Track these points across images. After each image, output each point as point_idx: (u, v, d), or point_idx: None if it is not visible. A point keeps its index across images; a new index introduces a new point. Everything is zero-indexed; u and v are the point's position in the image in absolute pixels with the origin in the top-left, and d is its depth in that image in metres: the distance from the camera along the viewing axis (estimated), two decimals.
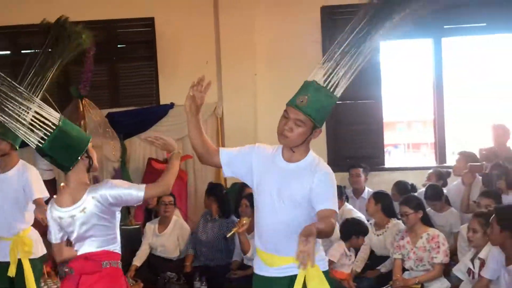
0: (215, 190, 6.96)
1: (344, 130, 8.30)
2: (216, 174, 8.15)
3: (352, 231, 6.13)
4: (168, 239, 6.90)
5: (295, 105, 3.28)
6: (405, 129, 19.49)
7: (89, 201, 3.54)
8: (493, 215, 4.92)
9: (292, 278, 3.30)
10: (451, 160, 7.95)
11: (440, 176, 7.13)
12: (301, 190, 3.32)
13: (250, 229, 5.23)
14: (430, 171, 7.35)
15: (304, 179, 3.34)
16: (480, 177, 6.69)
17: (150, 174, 7.80)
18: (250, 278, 3.63)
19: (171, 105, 8.28)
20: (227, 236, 6.02)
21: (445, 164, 8.11)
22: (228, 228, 6.42)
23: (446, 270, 5.83)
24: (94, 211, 3.54)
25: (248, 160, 3.45)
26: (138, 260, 6.77)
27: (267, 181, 3.38)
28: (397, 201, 6.52)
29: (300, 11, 8.11)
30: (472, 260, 5.30)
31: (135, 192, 3.58)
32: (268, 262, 3.43)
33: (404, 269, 5.88)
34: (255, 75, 8.15)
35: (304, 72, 8.45)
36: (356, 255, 6.31)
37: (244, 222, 5.33)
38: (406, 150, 21.40)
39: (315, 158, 3.42)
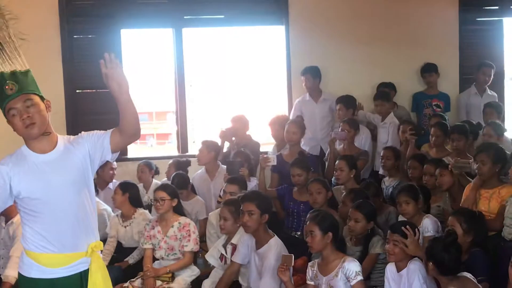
0: None
1: (85, 119, 8.00)
2: None
3: None
4: None
5: (16, 95, 3.18)
6: None
7: None
8: (245, 202, 5.04)
9: (82, 274, 3.30)
10: (193, 149, 8.12)
11: (179, 165, 7.19)
12: (77, 166, 3.30)
13: None
14: (170, 161, 7.41)
15: (72, 155, 3.30)
16: (224, 166, 6.90)
17: None
18: None
19: None
20: None
21: (187, 153, 8.24)
22: None
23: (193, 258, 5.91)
24: None
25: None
26: None
27: (40, 182, 3.19)
28: None
29: None
30: (224, 246, 5.43)
31: None
32: (53, 263, 3.25)
33: (154, 259, 5.83)
34: None
35: (41, 52, 7.88)
36: None
37: None
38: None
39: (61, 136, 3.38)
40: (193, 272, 5.75)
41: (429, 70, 8.13)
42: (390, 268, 4.54)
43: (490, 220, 4.91)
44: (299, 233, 6.06)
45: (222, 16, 8.30)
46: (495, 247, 4.78)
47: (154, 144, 24.37)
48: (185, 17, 8.26)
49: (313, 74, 7.87)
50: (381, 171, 7.09)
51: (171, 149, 9.14)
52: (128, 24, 8.17)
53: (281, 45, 8.33)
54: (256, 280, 5.01)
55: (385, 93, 7.75)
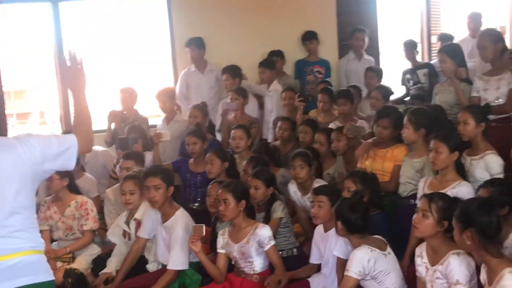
0: None
1: None
2: None
3: None
4: None
5: None
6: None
7: None
8: (150, 177, 4.97)
9: None
10: None
11: None
12: None
13: None
14: None
15: None
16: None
17: None
18: None
19: None
20: None
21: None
22: None
23: None
24: None
25: None
26: None
27: None
28: None
29: None
30: (126, 222, 5.36)
31: None
32: None
33: (52, 240, 5.68)
34: None
35: None
36: None
37: None
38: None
39: None
40: (93, 251, 5.68)
41: (309, 38, 8.33)
42: (319, 229, 4.69)
43: (385, 181, 5.15)
44: (196, 204, 6.11)
45: None
46: (391, 204, 5.05)
47: (15, 124, 23.52)
48: None
49: (197, 45, 7.86)
50: (269, 139, 7.23)
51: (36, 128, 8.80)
52: None
53: (164, 17, 8.23)
54: (164, 253, 5.00)
55: (267, 61, 7.87)
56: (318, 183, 5.25)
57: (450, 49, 6.17)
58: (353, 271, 3.96)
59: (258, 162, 5.54)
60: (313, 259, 4.75)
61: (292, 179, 5.51)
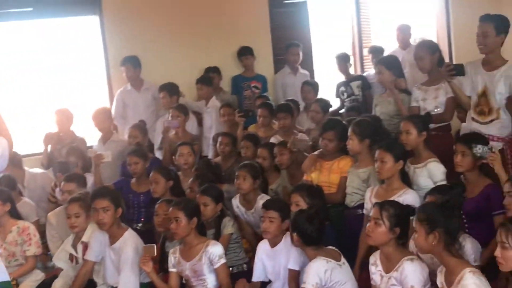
0: None
1: None
2: None
3: None
4: None
5: None
6: None
7: None
8: (98, 199, 4.88)
9: None
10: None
11: None
12: None
13: None
14: None
15: None
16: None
17: None
18: None
19: None
20: None
21: None
22: None
23: None
24: None
25: None
26: None
27: None
28: None
29: None
30: (73, 246, 5.25)
31: None
32: None
33: None
34: None
35: None
36: None
37: None
38: None
39: None
40: (37, 276, 5.54)
41: (245, 53, 8.38)
42: (263, 246, 4.68)
43: (332, 193, 5.20)
44: (140, 224, 6.03)
45: (31, 9, 7.85)
46: (338, 216, 5.11)
47: None
48: None
49: (133, 64, 7.80)
50: (210, 156, 7.22)
51: None
52: None
53: (97, 36, 8.12)
54: (113, 275, 4.94)
55: (205, 77, 7.89)
56: (262, 198, 5.26)
57: (387, 61, 6.31)
58: (310, 283, 3.99)
59: (204, 179, 5.52)
60: (256, 277, 4.74)
61: (236, 193, 5.52)
